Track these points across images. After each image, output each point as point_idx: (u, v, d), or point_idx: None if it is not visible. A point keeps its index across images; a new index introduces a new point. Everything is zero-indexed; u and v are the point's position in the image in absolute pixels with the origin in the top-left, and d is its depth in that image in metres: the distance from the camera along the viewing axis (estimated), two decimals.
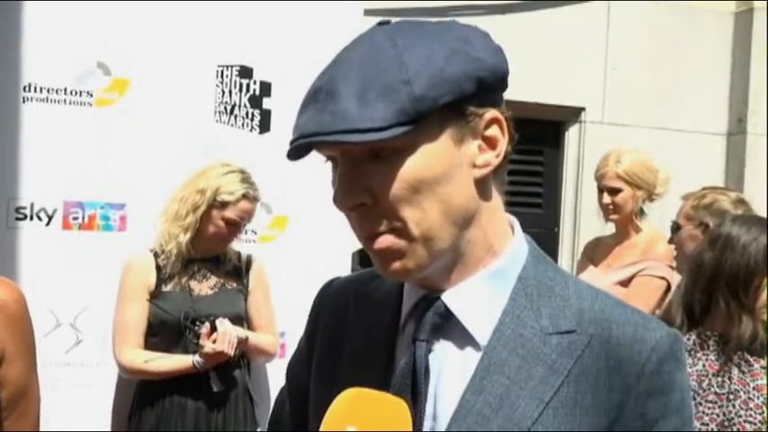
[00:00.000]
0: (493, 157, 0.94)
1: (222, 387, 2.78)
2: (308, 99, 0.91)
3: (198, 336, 2.75)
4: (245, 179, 2.87)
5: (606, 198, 3.20)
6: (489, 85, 0.92)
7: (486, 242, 0.96)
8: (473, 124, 0.92)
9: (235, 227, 2.86)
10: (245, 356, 2.93)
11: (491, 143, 0.94)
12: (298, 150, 0.91)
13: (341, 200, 0.91)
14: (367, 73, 0.88)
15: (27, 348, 1.51)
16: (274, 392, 3.14)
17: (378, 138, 0.86)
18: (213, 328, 2.74)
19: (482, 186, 0.94)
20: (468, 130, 0.92)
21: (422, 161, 0.89)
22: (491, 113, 0.93)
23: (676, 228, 2.80)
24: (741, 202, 2.80)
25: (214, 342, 2.72)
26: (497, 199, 0.98)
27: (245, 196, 2.85)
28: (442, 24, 0.94)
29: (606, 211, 3.23)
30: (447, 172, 0.90)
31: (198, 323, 2.77)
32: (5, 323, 1.45)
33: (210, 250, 2.91)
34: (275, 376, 3.13)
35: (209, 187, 2.82)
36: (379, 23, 0.94)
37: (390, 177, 0.89)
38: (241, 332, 2.83)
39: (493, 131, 0.94)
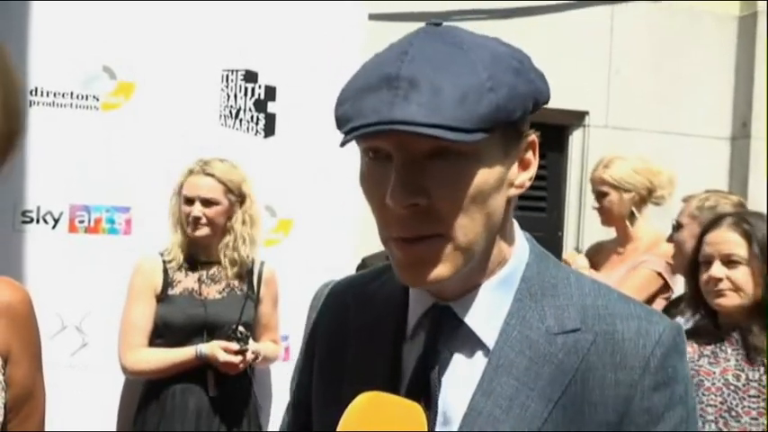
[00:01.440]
0: (526, 179, 0.96)
1: (217, 393, 2.77)
2: (375, 83, 0.86)
3: (235, 338, 2.74)
4: (202, 159, 2.85)
5: (594, 202, 3.29)
6: (536, 110, 0.94)
7: (500, 256, 0.98)
8: (519, 144, 0.94)
9: (191, 205, 2.79)
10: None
11: (525, 165, 0.96)
12: (358, 136, 0.86)
13: (398, 198, 0.87)
14: (449, 70, 0.85)
15: (33, 350, 1.50)
16: (277, 395, 3.15)
17: (464, 139, 0.84)
18: (241, 351, 2.73)
19: (509, 205, 0.96)
20: (516, 151, 0.93)
21: (483, 171, 0.89)
22: (532, 137, 0.95)
23: (678, 226, 2.81)
24: (742, 206, 2.82)
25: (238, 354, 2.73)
26: (512, 216, 1.00)
27: (190, 171, 2.83)
28: (488, 38, 0.94)
29: (599, 215, 3.29)
30: (497, 186, 0.91)
31: (237, 333, 2.76)
32: (11, 324, 1.44)
33: (200, 245, 2.86)
34: (279, 380, 3.13)
35: (179, 182, 2.85)
36: (429, 24, 0.92)
37: (452, 181, 0.88)
38: (260, 349, 2.84)
39: (528, 155, 0.96)
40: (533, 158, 0.96)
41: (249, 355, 2.75)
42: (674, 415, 0.94)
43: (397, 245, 0.90)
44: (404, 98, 0.84)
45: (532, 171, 0.96)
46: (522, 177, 0.95)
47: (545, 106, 0.98)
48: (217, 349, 2.71)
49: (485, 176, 0.89)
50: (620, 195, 3.19)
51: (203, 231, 2.82)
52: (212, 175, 2.82)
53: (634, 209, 3.22)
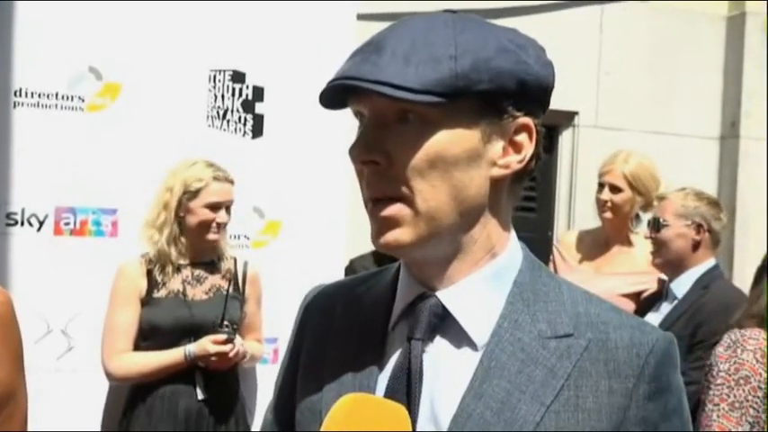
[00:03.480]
0: (515, 162, 0.95)
1: (206, 396, 2.75)
2: (356, 51, 0.93)
3: (222, 332, 2.73)
4: (211, 164, 2.86)
5: (606, 194, 3.18)
6: (530, 92, 0.94)
7: (488, 243, 0.97)
8: (504, 124, 0.93)
9: (217, 210, 2.82)
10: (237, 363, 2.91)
11: (516, 148, 0.95)
12: (332, 94, 0.93)
13: (356, 152, 0.92)
14: (417, 40, 0.90)
15: (14, 351, 1.50)
16: (264, 396, 3.13)
17: (408, 98, 0.87)
18: (229, 340, 2.72)
19: (496, 188, 0.95)
20: (498, 128, 0.93)
21: (445, 138, 0.90)
22: (524, 119, 0.95)
23: (659, 224, 2.80)
24: (716, 204, 2.87)
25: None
26: (508, 207, 0.99)
27: (215, 179, 2.84)
28: (504, 27, 0.97)
29: (602, 207, 3.22)
30: (466, 158, 0.92)
31: (223, 326, 2.75)
32: None
33: (203, 249, 2.87)
34: (266, 380, 3.11)
35: (176, 182, 2.82)
36: (445, 11, 0.96)
37: (410, 144, 0.90)
38: (248, 348, 2.83)
39: (521, 137, 0.95)
40: (528, 143, 0.95)
41: (239, 347, 2.74)
42: (669, 426, 0.93)
43: (370, 206, 0.94)
44: (366, 60, 0.90)
45: (524, 155, 0.95)
46: (509, 159, 0.94)
47: None
48: (206, 343, 2.70)
49: (445, 142, 0.90)
50: (634, 195, 3.15)
51: (217, 236, 2.87)
52: (232, 183, 2.88)
53: (640, 212, 3.19)
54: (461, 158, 0.91)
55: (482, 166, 0.93)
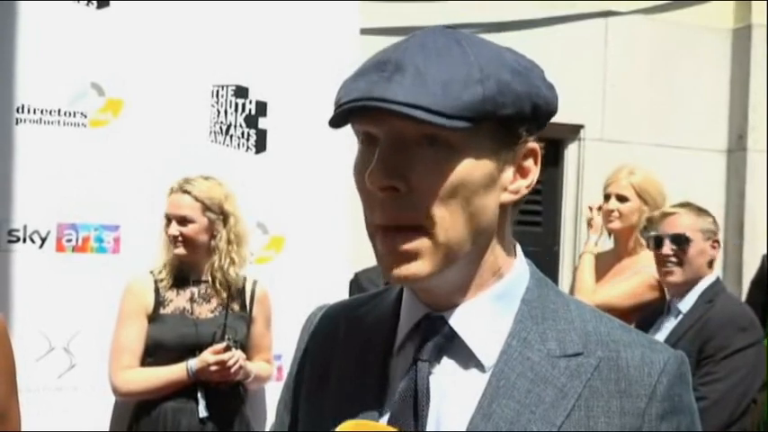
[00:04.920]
0: (524, 187, 0.94)
1: (208, 414, 2.73)
2: (368, 68, 0.88)
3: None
4: (183, 178, 2.84)
5: (613, 204, 3.19)
6: (540, 117, 0.92)
7: (494, 266, 0.95)
8: (517, 149, 0.92)
9: (169, 223, 2.81)
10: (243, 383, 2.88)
11: (524, 173, 0.94)
12: (346, 114, 0.87)
13: (376, 177, 0.87)
14: (440, 60, 0.86)
15: (6, 371, 1.48)
16: (272, 416, 3.09)
17: (445, 123, 0.84)
18: (228, 348, 2.71)
19: (503, 212, 0.94)
20: (511, 154, 0.92)
21: (469, 165, 0.88)
22: (532, 144, 0.93)
23: (685, 240, 2.75)
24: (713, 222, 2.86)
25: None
26: (510, 228, 0.97)
27: (171, 190, 2.83)
28: (503, 47, 0.94)
29: (608, 217, 3.20)
30: (485, 185, 0.90)
31: (224, 339, 2.74)
32: None
33: (189, 264, 2.85)
34: (274, 400, 3.08)
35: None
36: (441, 27, 0.93)
37: (435, 170, 0.87)
38: (251, 368, 2.81)
39: (528, 163, 0.94)
40: (534, 167, 0.94)
41: (240, 360, 2.71)
42: None
43: (379, 235, 0.89)
44: (387, 79, 0.85)
45: (531, 180, 0.94)
46: (519, 184, 0.93)
47: None
48: (205, 355, 2.69)
49: (468, 169, 0.88)
50: (640, 205, 3.14)
51: (181, 250, 2.81)
52: (189, 193, 2.82)
53: (646, 230, 3.16)
54: (481, 185, 0.89)
55: (496, 193, 0.92)
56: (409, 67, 0.85)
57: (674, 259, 2.77)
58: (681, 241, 2.76)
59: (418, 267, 0.88)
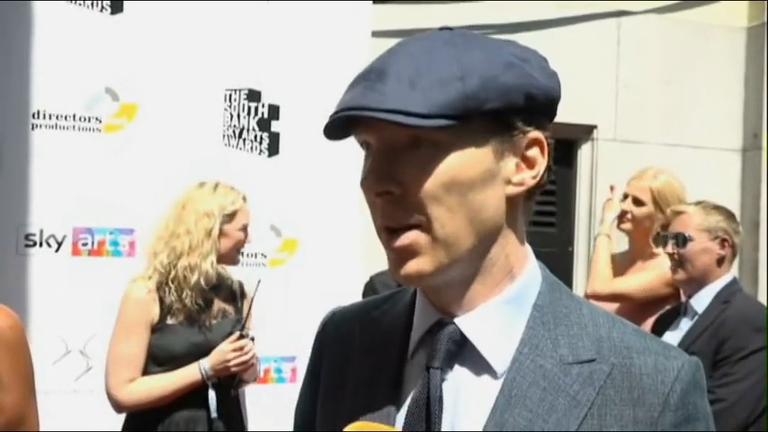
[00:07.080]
0: (529, 178, 0.93)
1: (218, 414, 2.70)
2: (357, 79, 0.91)
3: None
4: (225, 185, 2.79)
5: (628, 205, 3.18)
6: (538, 105, 0.92)
7: (506, 265, 0.94)
8: (516, 140, 0.91)
9: (245, 232, 2.78)
10: (241, 382, 2.84)
11: (529, 163, 0.93)
12: (336, 125, 0.90)
13: (369, 184, 0.89)
14: (421, 63, 0.88)
15: (24, 376, 1.50)
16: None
17: (421, 124, 0.85)
18: (243, 336, 2.67)
19: (512, 206, 0.93)
20: (509, 145, 0.91)
21: (459, 161, 0.88)
22: (535, 134, 0.92)
23: (684, 239, 2.75)
24: (732, 217, 2.83)
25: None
26: (522, 225, 0.96)
27: (244, 199, 2.78)
28: (503, 40, 0.95)
29: (622, 217, 3.21)
30: (481, 179, 0.89)
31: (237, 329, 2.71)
32: (1, 350, 1.44)
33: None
34: (287, 401, 3.08)
35: (214, 207, 2.70)
36: (441, 29, 0.94)
37: (424, 170, 0.88)
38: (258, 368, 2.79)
39: (533, 152, 0.93)
40: (540, 157, 0.93)
41: (253, 346, 2.67)
42: None
43: (384, 236, 0.92)
44: (370, 88, 0.87)
45: (537, 170, 0.92)
46: (523, 176, 0.92)
47: (553, 120, 0.94)
48: (222, 345, 2.63)
49: (459, 166, 0.88)
50: (656, 211, 3.12)
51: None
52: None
53: (660, 231, 3.14)
54: (476, 180, 0.89)
55: (497, 186, 0.91)
56: (391, 74, 0.87)
57: (675, 258, 2.79)
58: (680, 240, 2.77)
59: (420, 264, 0.89)
